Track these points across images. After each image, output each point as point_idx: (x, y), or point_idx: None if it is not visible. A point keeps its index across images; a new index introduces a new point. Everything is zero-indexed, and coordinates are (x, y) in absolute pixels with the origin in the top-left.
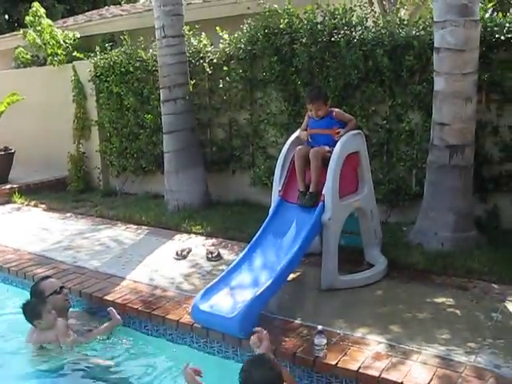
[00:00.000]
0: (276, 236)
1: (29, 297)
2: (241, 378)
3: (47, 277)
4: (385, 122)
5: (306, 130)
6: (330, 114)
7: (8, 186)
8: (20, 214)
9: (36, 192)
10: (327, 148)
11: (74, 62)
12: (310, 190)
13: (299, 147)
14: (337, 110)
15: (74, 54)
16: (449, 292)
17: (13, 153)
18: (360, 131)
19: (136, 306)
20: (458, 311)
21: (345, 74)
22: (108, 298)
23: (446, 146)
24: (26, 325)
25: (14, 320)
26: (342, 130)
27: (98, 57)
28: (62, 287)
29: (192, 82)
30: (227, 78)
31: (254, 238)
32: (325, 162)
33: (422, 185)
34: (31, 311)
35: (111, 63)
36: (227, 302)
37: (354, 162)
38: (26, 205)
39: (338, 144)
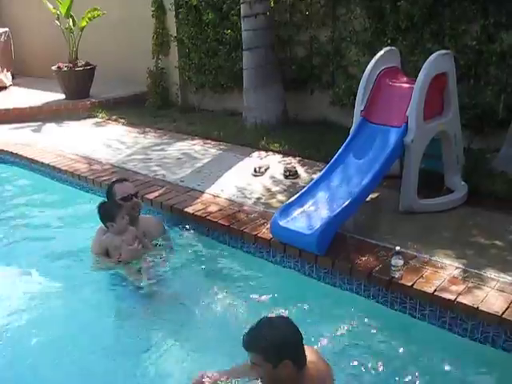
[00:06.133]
0: (356, 156)
1: None
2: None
3: (124, 180)
4: (475, 42)
5: None
6: None
7: (89, 101)
8: (101, 128)
9: (116, 107)
10: None
11: None
12: None
13: None
14: None
15: None
16: None
17: (94, 68)
18: (449, 51)
19: (215, 220)
20: None
21: None
22: (188, 210)
23: None
24: None
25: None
26: None
27: None
28: (133, 195)
29: None
30: None
31: (335, 156)
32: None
33: (510, 111)
34: (106, 213)
35: None
36: (306, 219)
37: (441, 83)
38: (107, 119)
39: (426, 64)
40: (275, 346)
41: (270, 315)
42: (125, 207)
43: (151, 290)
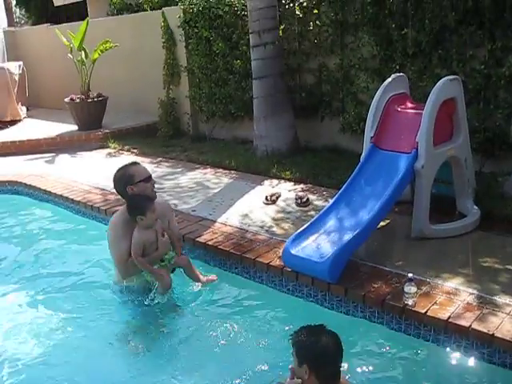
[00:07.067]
0: (367, 183)
1: None
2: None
3: (136, 163)
4: (483, 66)
5: None
6: None
7: (102, 132)
8: (114, 159)
9: (127, 137)
10: None
11: (164, 8)
12: None
13: None
14: None
15: None
16: None
17: (106, 99)
18: (457, 76)
19: (227, 249)
20: None
21: (441, 16)
22: (200, 240)
23: None
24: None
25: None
26: None
27: (188, 2)
28: (150, 176)
29: (282, 27)
30: (317, 22)
31: (345, 184)
32: None
33: None
34: (137, 205)
35: (200, 8)
36: (317, 247)
37: (450, 108)
38: (119, 150)
39: (434, 90)
40: (301, 346)
41: (325, 326)
42: (144, 189)
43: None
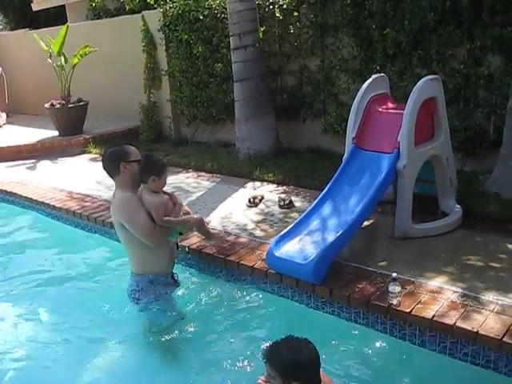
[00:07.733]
0: (350, 184)
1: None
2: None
3: (131, 144)
4: (462, 66)
5: None
6: None
7: (83, 137)
8: (95, 164)
9: (109, 142)
10: None
11: (143, 12)
12: None
13: None
14: None
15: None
16: None
17: (87, 104)
18: (437, 76)
19: (211, 252)
20: None
21: (420, 17)
22: (183, 243)
23: None
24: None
25: (98, 264)
26: None
27: (167, 5)
28: (140, 160)
29: (262, 29)
30: (298, 24)
31: (328, 185)
32: None
33: (501, 132)
34: (155, 165)
35: (180, 12)
36: (301, 249)
37: (431, 108)
38: (101, 155)
39: (415, 90)
40: (288, 366)
41: (295, 336)
42: (136, 169)
43: None
